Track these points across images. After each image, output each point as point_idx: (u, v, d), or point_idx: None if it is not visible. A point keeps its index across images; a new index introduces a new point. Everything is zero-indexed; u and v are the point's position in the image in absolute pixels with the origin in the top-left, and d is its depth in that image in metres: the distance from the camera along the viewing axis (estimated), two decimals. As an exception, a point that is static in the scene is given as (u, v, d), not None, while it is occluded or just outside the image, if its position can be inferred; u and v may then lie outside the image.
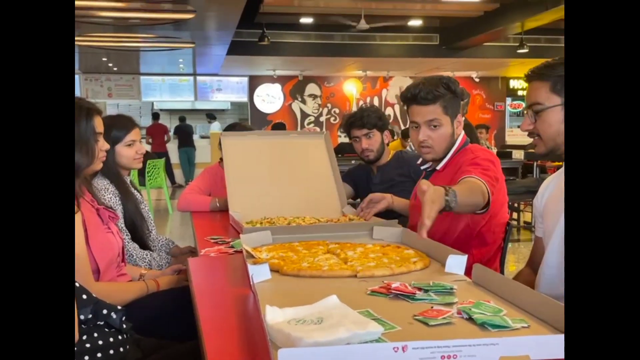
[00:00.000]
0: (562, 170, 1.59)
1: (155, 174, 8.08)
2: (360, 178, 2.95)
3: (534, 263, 1.64)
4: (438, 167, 2.05)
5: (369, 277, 1.30)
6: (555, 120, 1.44)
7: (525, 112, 1.53)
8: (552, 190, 1.58)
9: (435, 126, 1.98)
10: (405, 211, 2.23)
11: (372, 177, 2.89)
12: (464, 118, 2.08)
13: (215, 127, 12.65)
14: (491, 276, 1.16)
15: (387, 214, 2.13)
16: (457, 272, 1.29)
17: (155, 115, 12.24)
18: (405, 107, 2.07)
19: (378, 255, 1.48)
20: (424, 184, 1.39)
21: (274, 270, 1.38)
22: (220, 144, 2.44)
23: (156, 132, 11.47)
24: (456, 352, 0.78)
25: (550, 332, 0.91)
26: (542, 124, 1.46)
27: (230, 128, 3.25)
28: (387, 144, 2.90)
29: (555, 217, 1.48)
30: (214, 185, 2.98)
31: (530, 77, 1.52)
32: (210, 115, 13.48)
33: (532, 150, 5.62)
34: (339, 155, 7.09)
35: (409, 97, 1.99)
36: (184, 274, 1.96)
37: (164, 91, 13.53)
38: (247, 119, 13.41)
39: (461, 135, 2.04)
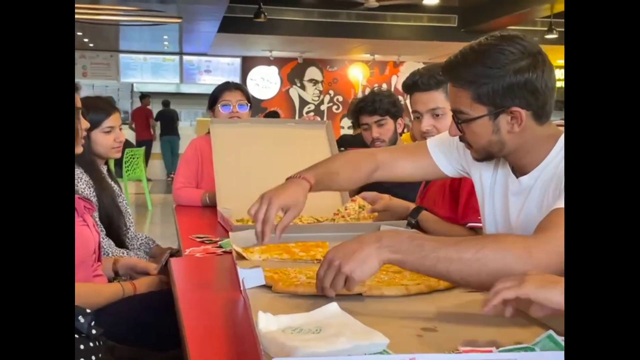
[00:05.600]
0: None
1: (134, 164, 8.09)
2: None
3: None
4: None
5: (377, 296, 1.27)
6: (483, 131, 1.38)
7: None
8: None
9: (438, 115, 2.09)
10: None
11: None
12: None
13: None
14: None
15: None
16: None
17: (143, 97, 12.17)
18: (408, 98, 2.16)
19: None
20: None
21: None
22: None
23: (140, 117, 11.47)
24: (471, 366, 0.79)
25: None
26: (470, 134, 1.42)
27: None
28: (401, 134, 2.85)
29: None
30: (200, 167, 2.94)
31: (445, 78, 1.46)
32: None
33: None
34: (342, 149, 7.13)
35: (411, 85, 2.11)
36: (165, 275, 1.95)
37: (146, 72, 13.54)
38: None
39: None
